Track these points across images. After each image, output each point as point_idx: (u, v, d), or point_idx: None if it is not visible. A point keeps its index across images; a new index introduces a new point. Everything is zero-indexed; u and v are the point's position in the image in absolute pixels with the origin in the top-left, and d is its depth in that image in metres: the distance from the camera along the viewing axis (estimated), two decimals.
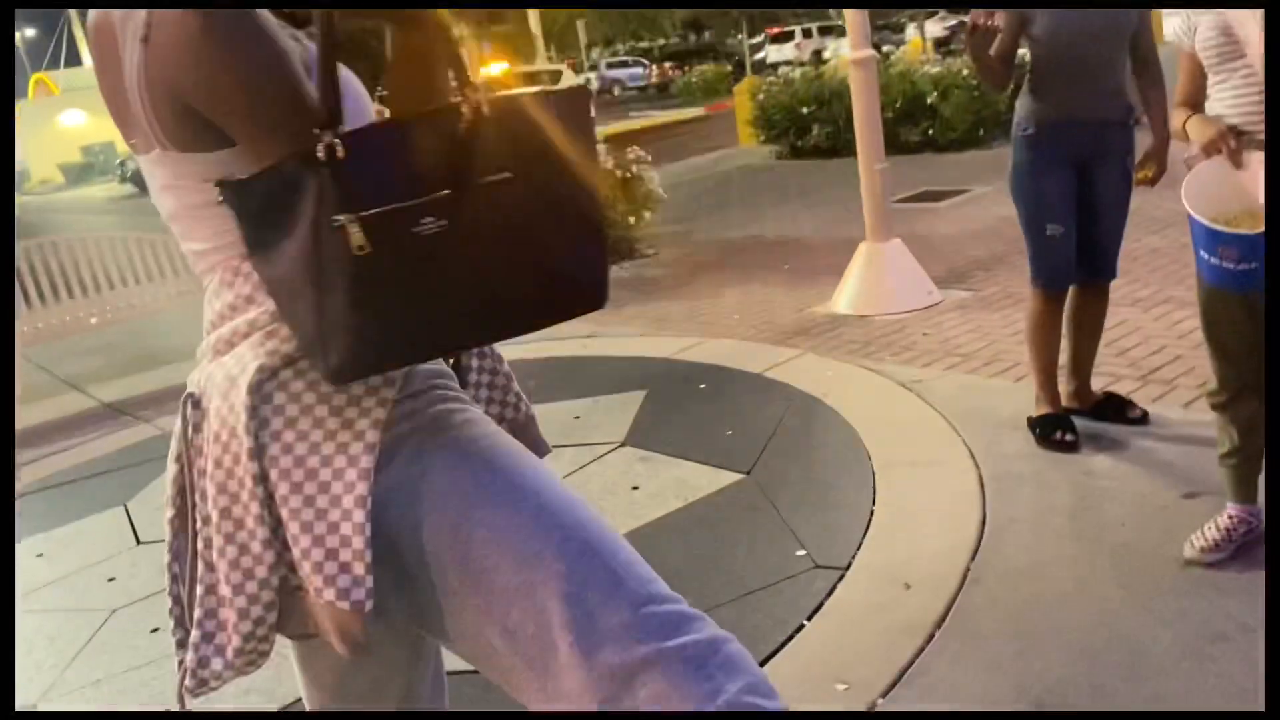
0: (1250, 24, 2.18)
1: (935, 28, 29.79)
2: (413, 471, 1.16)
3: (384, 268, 1.02)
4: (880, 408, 3.90)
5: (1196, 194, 2.20)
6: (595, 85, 35.93)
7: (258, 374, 1.13)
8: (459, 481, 1.16)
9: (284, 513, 1.12)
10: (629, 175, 7.66)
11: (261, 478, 1.12)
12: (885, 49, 12.77)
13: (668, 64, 36.47)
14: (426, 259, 1.03)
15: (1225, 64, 2.25)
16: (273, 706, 2.53)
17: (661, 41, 55.66)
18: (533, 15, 25.77)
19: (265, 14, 1.09)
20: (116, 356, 6.71)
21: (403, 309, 1.05)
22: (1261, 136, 2.19)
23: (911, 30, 27.72)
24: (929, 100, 10.44)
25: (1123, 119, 3.16)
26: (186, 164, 1.14)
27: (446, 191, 1.04)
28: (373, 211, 1.00)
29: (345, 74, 1.19)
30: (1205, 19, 2.27)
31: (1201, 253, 2.24)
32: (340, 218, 1.00)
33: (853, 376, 4.30)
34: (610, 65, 40.28)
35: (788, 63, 26.43)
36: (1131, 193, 3.26)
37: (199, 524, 1.17)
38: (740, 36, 27.38)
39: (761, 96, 12.27)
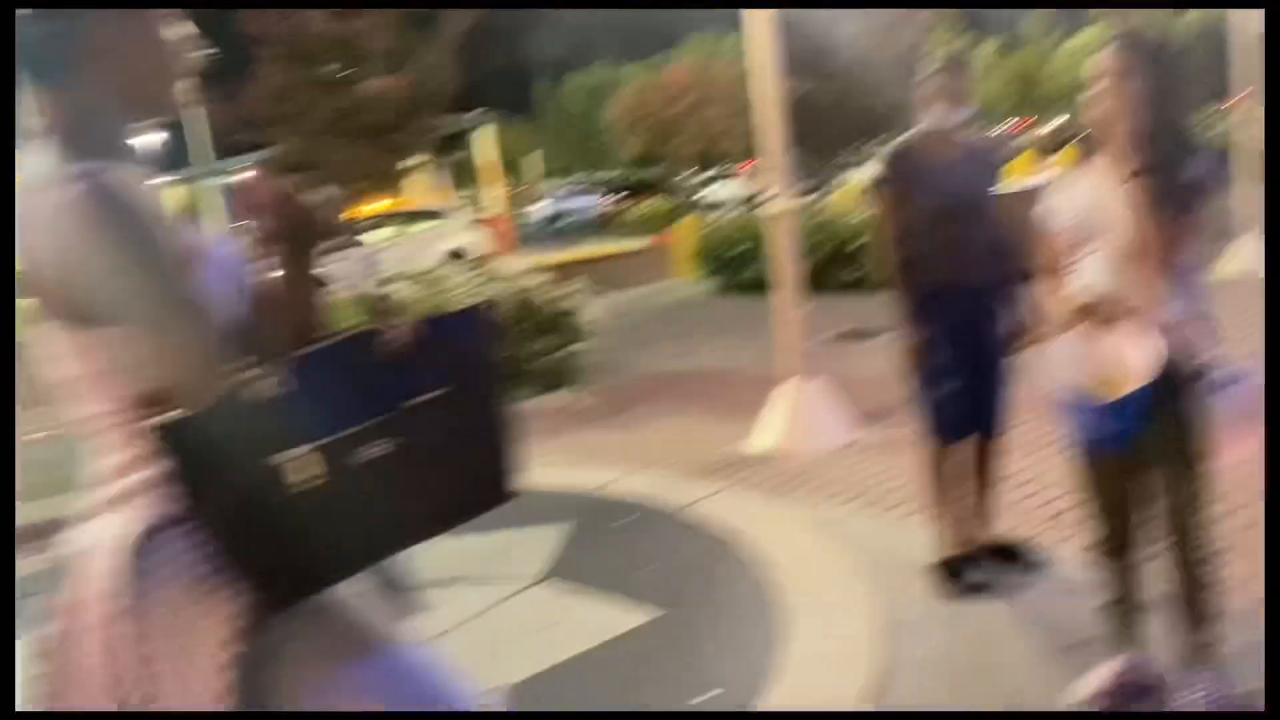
0: (1111, 207, 2.38)
1: (735, 188, 30.93)
2: (279, 636, 1.21)
3: (331, 496, 1.04)
4: (794, 548, 3.98)
5: (1062, 362, 2.36)
6: (548, 212, 36.75)
7: (145, 532, 1.17)
8: (320, 654, 1.21)
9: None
10: (566, 307, 7.84)
11: (137, 633, 1.14)
12: (815, 195, 13.32)
13: (618, 195, 37.47)
14: (374, 482, 1.07)
15: (1089, 242, 2.44)
16: None
17: (614, 173, 57.41)
18: (487, 145, 26.49)
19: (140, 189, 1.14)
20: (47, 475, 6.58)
21: (351, 532, 1.08)
22: (1121, 308, 2.37)
23: (855, 173, 28.95)
24: (855, 245, 10.89)
25: (1003, 280, 3.39)
26: (91, 336, 1.17)
27: (388, 414, 1.09)
28: (318, 443, 1.02)
29: (212, 241, 1.26)
30: (1068, 201, 2.48)
31: (1068, 418, 2.39)
32: (285, 452, 1.01)
33: (770, 515, 4.38)
34: (562, 195, 41.32)
35: (729, 201, 27.40)
36: (1015, 348, 3.45)
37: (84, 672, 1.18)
38: (689, 173, 28.36)
39: (700, 233, 12.68)
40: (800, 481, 4.81)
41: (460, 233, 16.56)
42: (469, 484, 1.20)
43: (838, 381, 6.65)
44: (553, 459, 5.70)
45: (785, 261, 5.42)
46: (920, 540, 3.85)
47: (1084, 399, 2.32)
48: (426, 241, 15.61)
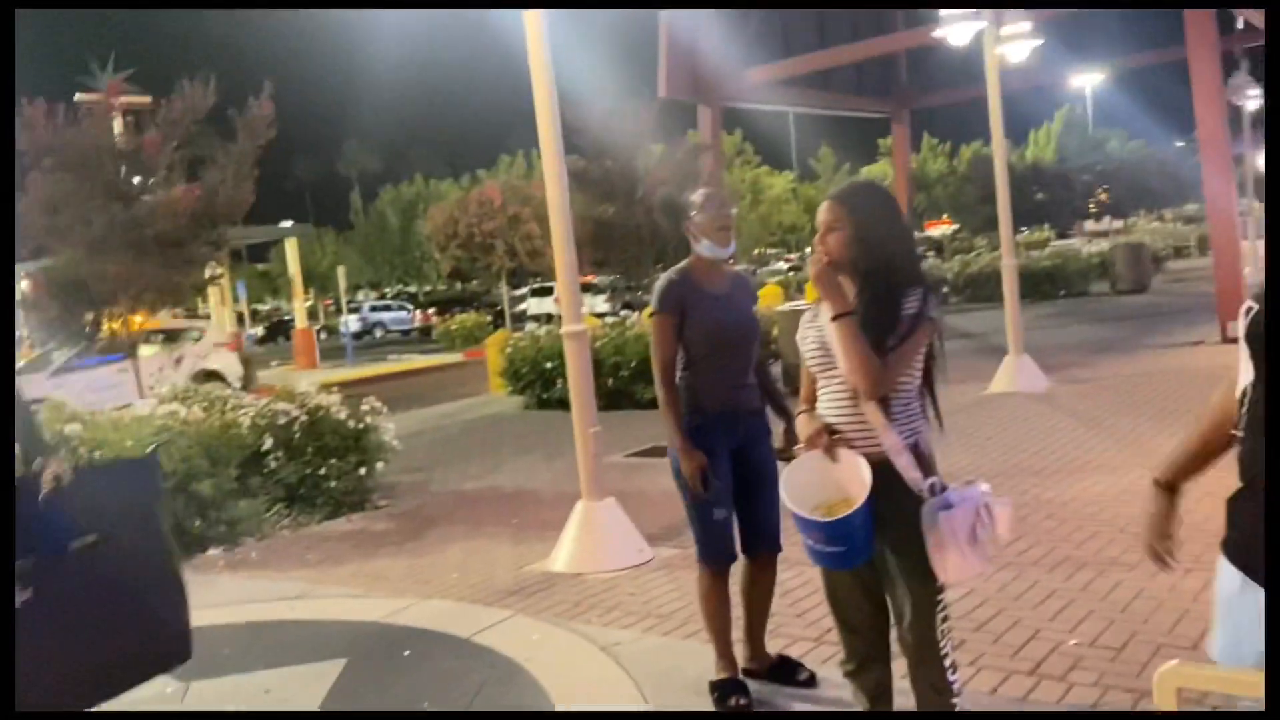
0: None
1: (604, 304, 32.10)
2: None
3: None
4: (577, 673, 3.93)
5: (796, 484, 2.48)
6: (358, 327, 36.07)
7: None
8: None
9: None
10: (363, 425, 7.63)
11: None
12: (625, 314, 13.66)
13: (431, 310, 37.25)
14: (15, 631, 1.00)
15: (825, 372, 2.60)
16: None
17: (428, 288, 57.09)
18: (292, 257, 25.87)
19: None
20: None
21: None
22: (850, 436, 2.52)
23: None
24: None
25: (762, 406, 3.58)
26: None
27: (31, 559, 1.03)
28: None
29: None
30: (810, 335, 2.63)
31: (803, 537, 2.50)
32: None
33: (557, 640, 4.32)
34: (374, 308, 40.71)
35: (548, 316, 27.69)
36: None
37: None
38: (503, 289, 28.50)
39: (509, 349, 12.71)
40: (591, 603, 4.78)
41: (214, 352, 16.14)
42: (127, 640, 1.13)
43: (635, 500, 6.73)
44: (340, 587, 5.46)
45: (578, 379, 5.49)
46: (701, 661, 3.88)
47: (809, 519, 2.44)
48: (177, 361, 15.18)
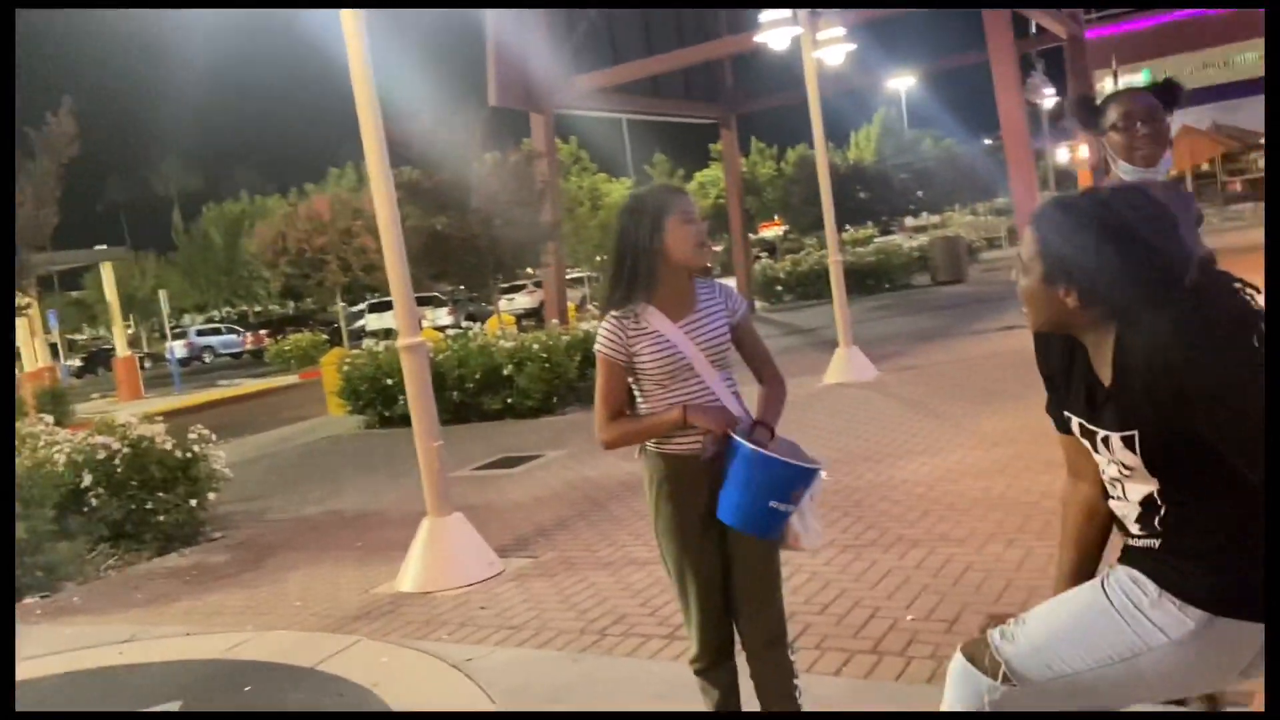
0: (690, 346, 2.60)
1: (526, 300, 32.04)
2: None
3: None
4: (428, 693, 3.84)
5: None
6: (184, 353, 34.31)
7: None
8: None
9: None
10: (191, 454, 7.26)
11: None
12: (468, 326, 13.49)
13: (263, 331, 35.82)
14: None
15: (681, 377, 2.62)
16: None
17: (259, 308, 54.83)
18: (108, 282, 24.41)
19: None
20: None
21: None
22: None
23: (504, 303, 29.58)
24: (505, 372, 11.09)
25: None
26: None
27: None
28: None
29: None
30: (657, 345, 2.63)
31: (762, 502, 2.50)
32: None
33: (406, 661, 4.22)
34: (201, 332, 38.83)
35: (387, 331, 27.03)
36: None
37: None
38: (338, 306, 27.67)
39: (346, 367, 12.35)
40: (441, 621, 4.69)
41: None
42: None
43: (484, 513, 6.66)
44: (173, 626, 5.18)
45: (418, 394, 5.38)
46: (555, 670, 3.87)
47: (807, 465, 2.56)
48: None
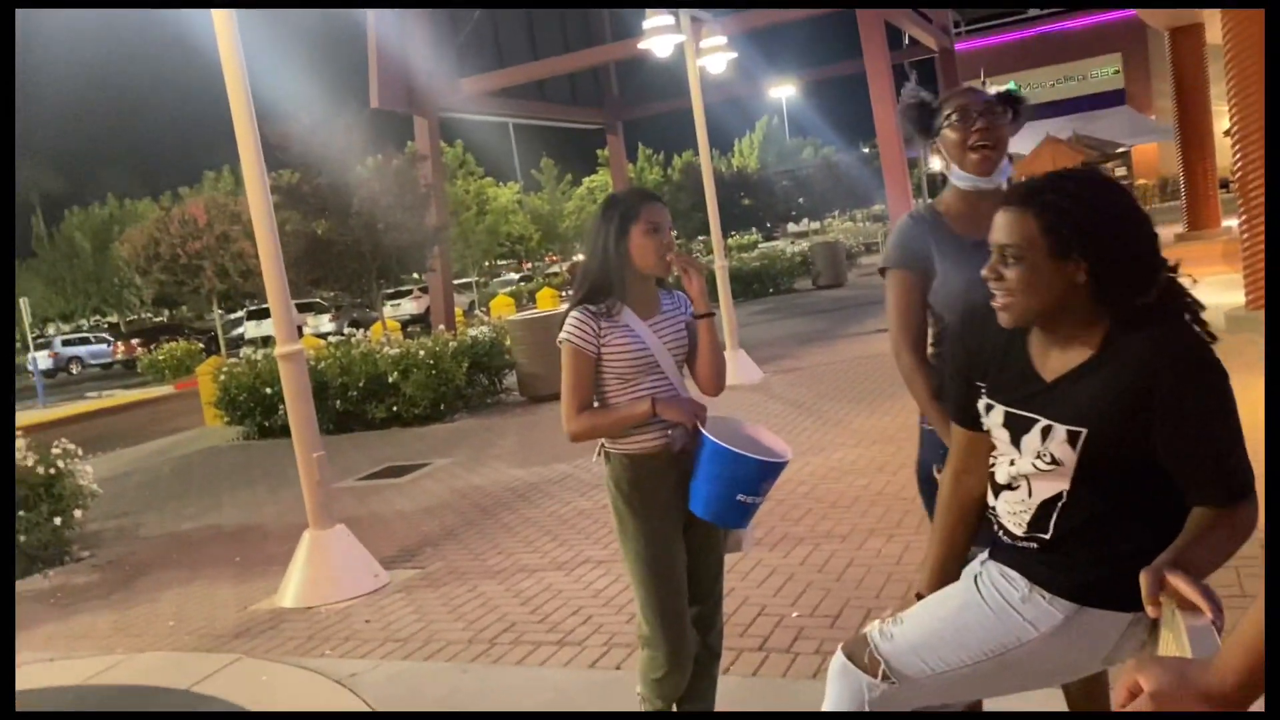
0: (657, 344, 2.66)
1: (411, 306, 31.51)
2: None
3: None
4: (312, 711, 3.74)
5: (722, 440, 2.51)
6: (49, 364, 32.60)
7: None
8: None
9: None
10: (54, 470, 6.90)
11: None
12: (351, 332, 13.18)
13: (135, 340, 34.29)
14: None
15: (649, 372, 2.65)
16: None
17: (131, 316, 52.49)
18: None
19: None
20: None
21: None
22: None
23: (389, 308, 29.03)
24: (391, 379, 10.88)
25: None
26: None
27: None
28: None
29: None
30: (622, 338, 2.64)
31: (741, 496, 2.52)
32: None
33: (288, 679, 4.09)
34: (67, 342, 36.94)
35: (266, 339, 26.20)
36: None
37: None
38: (215, 313, 26.70)
39: (223, 377, 11.92)
40: (324, 636, 4.57)
41: None
42: None
43: (368, 523, 6.52)
44: (34, 652, 4.91)
45: (297, 403, 5.23)
46: (442, 681, 3.81)
47: (769, 459, 2.57)
48: None
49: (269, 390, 11.27)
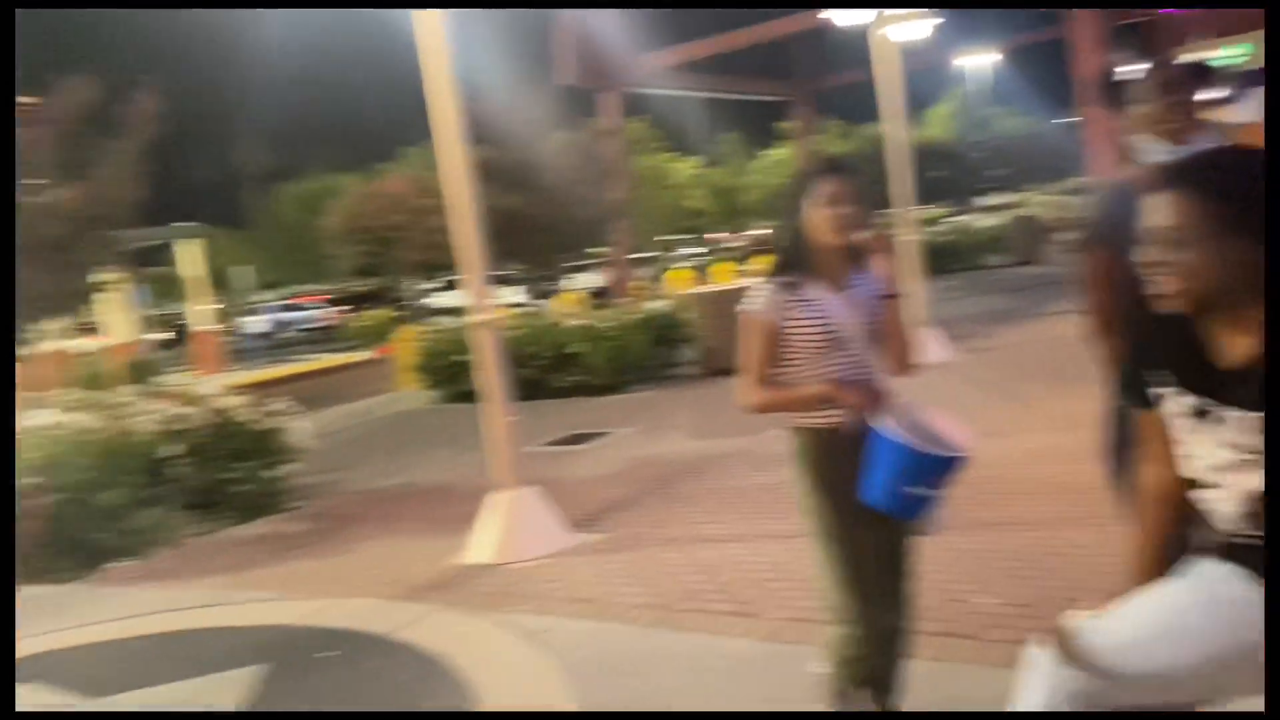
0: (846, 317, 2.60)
1: (594, 279, 32.08)
2: None
3: None
4: (501, 662, 3.91)
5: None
6: (264, 328, 35.16)
7: None
8: None
9: None
10: (270, 426, 7.45)
11: None
12: (537, 304, 13.59)
13: (340, 307, 36.49)
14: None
15: (830, 351, 2.59)
16: None
17: (334, 285, 55.83)
18: (191, 258, 25.10)
19: None
20: None
21: None
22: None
23: (574, 280, 29.71)
24: (574, 350, 11.15)
25: None
26: None
27: None
28: None
29: None
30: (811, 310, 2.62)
31: (914, 488, 2.48)
32: None
33: (480, 631, 4.29)
34: (280, 307, 39.72)
35: (458, 309, 27.31)
36: None
37: None
38: (410, 284, 28.09)
39: (422, 343, 12.54)
40: (512, 592, 4.75)
41: None
42: None
43: (553, 487, 6.72)
44: (253, 592, 5.33)
45: (491, 370, 5.44)
46: (627, 643, 3.90)
47: (944, 454, 2.53)
48: None
49: (462, 357, 11.76)
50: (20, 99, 10.42)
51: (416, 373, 12.77)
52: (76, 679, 4.21)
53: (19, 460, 6.10)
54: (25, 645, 4.25)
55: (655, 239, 44.09)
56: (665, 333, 11.73)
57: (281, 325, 37.34)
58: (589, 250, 18.31)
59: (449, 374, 12.17)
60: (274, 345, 33.45)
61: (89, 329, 20.41)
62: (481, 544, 5.36)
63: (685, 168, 50.50)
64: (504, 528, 5.33)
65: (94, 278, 10.04)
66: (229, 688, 3.97)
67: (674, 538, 5.32)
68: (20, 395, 9.56)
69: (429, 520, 6.53)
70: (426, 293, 34.93)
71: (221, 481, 7.13)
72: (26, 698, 3.89)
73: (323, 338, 34.46)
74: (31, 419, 6.92)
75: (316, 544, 6.28)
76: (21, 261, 8.72)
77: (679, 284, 19.50)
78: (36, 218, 8.78)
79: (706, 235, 56.17)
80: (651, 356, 11.60)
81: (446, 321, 13.03)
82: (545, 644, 4.02)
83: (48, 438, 6.44)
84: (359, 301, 36.52)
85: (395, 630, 4.41)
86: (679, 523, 5.60)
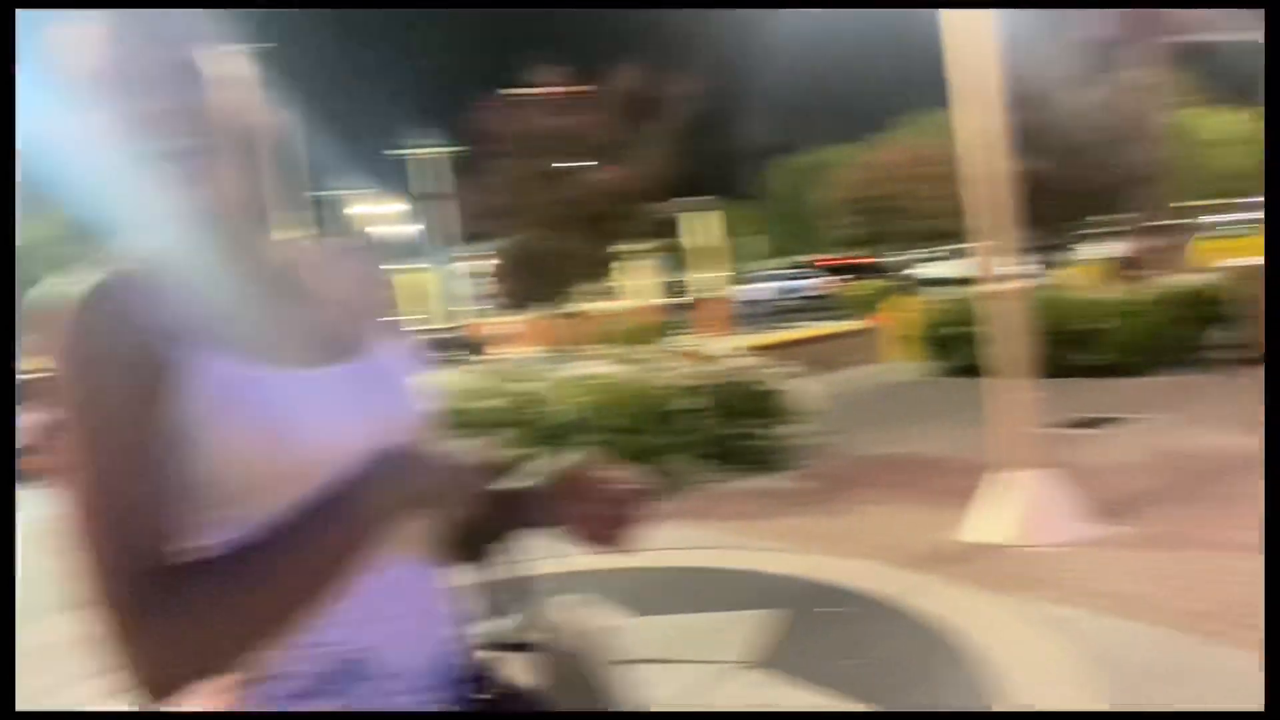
0: None
1: (1118, 247, 29.14)
2: None
3: None
4: (1017, 645, 3.74)
5: None
6: (768, 295, 37.00)
7: None
8: None
9: None
10: (777, 387, 7.81)
11: None
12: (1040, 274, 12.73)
13: (834, 276, 37.25)
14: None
15: None
16: None
17: (829, 255, 57.06)
18: (704, 230, 27.09)
19: None
20: None
21: None
22: None
23: (1088, 249, 27.44)
24: (1093, 326, 10.29)
25: None
26: None
27: None
28: None
29: None
30: None
31: None
32: None
33: (990, 609, 4.15)
34: (780, 277, 41.54)
35: (945, 280, 26.57)
36: None
37: None
38: (903, 254, 27.86)
39: (920, 313, 12.36)
40: (1023, 576, 4.53)
41: None
42: None
43: (1071, 472, 6.28)
44: (761, 540, 5.65)
45: (1010, 344, 5.20)
46: (1166, 650, 3.54)
47: None
48: None
49: (967, 329, 11.41)
50: (577, 87, 11.92)
51: (909, 343, 12.63)
52: (624, 597, 4.69)
53: (564, 402, 7.05)
54: (579, 563, 4.87)
55: (1185, 204, 39.20)
56: (1195, 310, 10.39)
57: (784, 293, 38.97)
58: (1103, 218, 16.73)
59: (945, 346, 11.88)
60: (771, 312, 35.04)
61: (612, 293, 22.77)
62: (989, 523, 5.17)
63: (1219, 122, 44.08)
64: (1019, 509, 5.09)
65: (623, 247, 11.20)
66: (745, 624, 4.25)
67: (1206, 541, 4.71)
68: (558, 349, 11.01)
69: (927, 490, 6.44)
70: (912, 263, 34.38)
71: (731, 436, 7.63)
72: (580, 608, 4.47)
73: (817, 305, 35.44)
74: (571, 369, 7.93)
75: (817, 503, 6.48)
76: (571, 234, 10.04)
77: (1213, 255, 17.15)
78: (586, 195, 10.03)
79: (1249, 199, 48.68)
80: (1179, 337, 10.35)
81: (939, 292, 12.68)
82: (1063, 636, 3.78)
83: (587, 385, 7.34)
84: (853, 271, 36.97)
85: (902, 594, 4.41)
86: (1209, 527, 4.95)
